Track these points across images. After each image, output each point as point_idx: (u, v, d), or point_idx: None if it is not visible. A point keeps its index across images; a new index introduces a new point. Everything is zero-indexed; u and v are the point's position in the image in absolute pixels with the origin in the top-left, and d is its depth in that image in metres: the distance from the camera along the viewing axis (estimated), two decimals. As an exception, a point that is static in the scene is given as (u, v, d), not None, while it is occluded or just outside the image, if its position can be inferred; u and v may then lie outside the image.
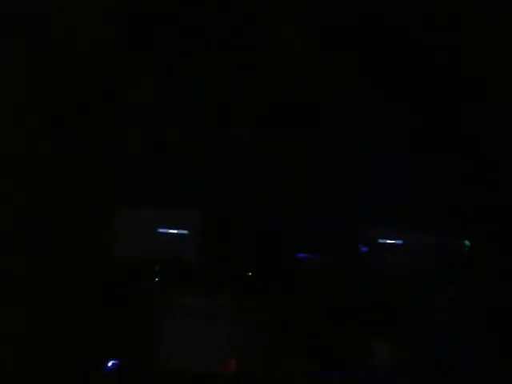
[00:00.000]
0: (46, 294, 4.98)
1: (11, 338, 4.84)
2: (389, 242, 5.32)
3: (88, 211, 5.09)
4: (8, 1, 4.82)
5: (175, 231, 5.29)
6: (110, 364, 5.06)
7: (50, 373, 4.86)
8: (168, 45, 5.16)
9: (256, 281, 5.25)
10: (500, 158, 5.13)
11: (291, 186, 5.26)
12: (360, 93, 5.19)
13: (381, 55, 5.14)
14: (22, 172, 5.04)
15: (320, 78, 5.16)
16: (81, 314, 5.01)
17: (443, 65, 5.09)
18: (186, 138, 5.25)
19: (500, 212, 5.16)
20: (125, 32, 5.03)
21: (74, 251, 5.07)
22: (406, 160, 5.23)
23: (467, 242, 5.23)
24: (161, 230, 5.29)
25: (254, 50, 5.09)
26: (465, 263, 5.20)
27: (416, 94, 5.14)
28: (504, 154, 5.13)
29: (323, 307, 5.20)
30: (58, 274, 5.02)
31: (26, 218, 4.98)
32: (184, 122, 5.23)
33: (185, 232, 5.30)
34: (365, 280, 5.25)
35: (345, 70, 5.15)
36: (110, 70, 5.10)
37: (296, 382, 5.01)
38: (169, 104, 5.22)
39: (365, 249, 5.31)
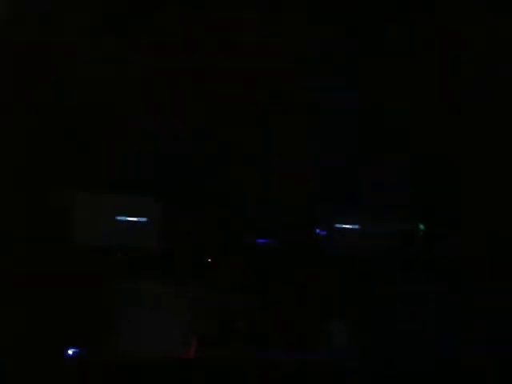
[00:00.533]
0: (7, 284, 4.96)
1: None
2: (347, 226, 5.41)
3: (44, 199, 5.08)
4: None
5: (134, 219, 5.30)
6: (70, 352, 5.05)
7: (9, 361, 4.84)
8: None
9: (216, 267, 5.30)
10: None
11: (250, 174, 5.31)
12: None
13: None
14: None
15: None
16: (41, 303, 5.00)
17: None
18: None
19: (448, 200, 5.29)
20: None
21: (32, 239, 5.06)
22: (362, 150, 5.31)
23: (422, 227, 5.33)
24: (119, 218, 5.30)
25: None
26: (420, 246, 5.31)
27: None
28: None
29: (283, 290, 5.26)
30: (18, 263, 5.00)
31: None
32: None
33: (144, 219, 5.31)
34: (323, 263, 5.32)
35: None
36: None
37: (252, 364, 5.07)
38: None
39: (323, 233, 5.38)
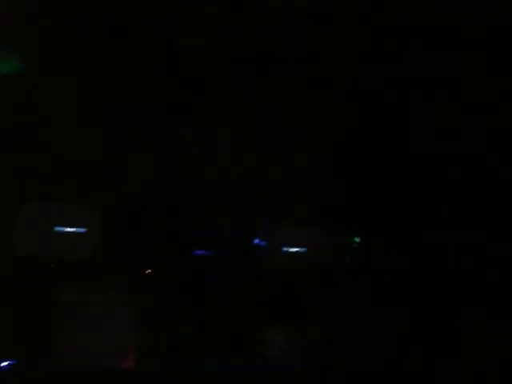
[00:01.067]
0: None
1: None
2: (285, 236, 5.49)
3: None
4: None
5: (72, 229, 5.27)
6: (4, 364, 4.98)
7: None
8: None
9: (155, 278, 5.30)
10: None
11: (189, 185, 5.35)
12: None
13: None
14: None
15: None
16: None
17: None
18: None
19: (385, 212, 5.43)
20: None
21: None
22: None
23: (356, 239, 5.46)
24: (57, 228, 5.25)
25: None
26: (355, 257, 5.43)
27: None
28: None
29: (223, 301, 5.30)
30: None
31: None
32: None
33: (82, 230, 5.28)
34: (262, 274, 5.39)
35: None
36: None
37: (196, 376, 5.08)
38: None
39: (261, 243, 5.45)
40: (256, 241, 5.46)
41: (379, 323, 5.23)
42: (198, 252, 5.41)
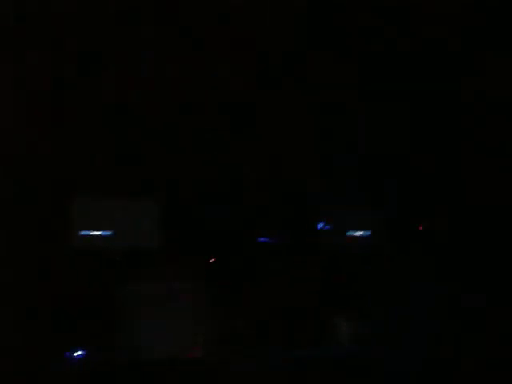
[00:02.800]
0: (6, 285, 4.94)
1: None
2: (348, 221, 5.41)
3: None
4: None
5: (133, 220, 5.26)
6: (74, 354, 5.06)
7: (8, 364, 4.83)
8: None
9: (219, 267, 5.29)
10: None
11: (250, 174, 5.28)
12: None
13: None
14: None
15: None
16: (43, 305, 4.99)
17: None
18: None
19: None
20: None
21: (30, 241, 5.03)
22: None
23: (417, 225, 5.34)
24: (119, 219, 5.26)
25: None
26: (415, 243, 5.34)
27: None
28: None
29: (286, 289, 5.27)
30: (16, 264, 4.97)
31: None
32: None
33: (146, 221, 5.27)
34: (324, 259, 5.33)
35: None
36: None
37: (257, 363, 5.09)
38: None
39: (322, 226, 5.37)
40: (320, 225, 5.39)
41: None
42: (262, 239, 5.36)
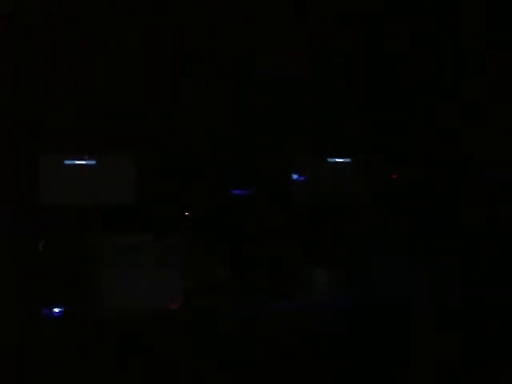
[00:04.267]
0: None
1: None
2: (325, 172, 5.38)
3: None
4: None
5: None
6: (53, 310, 5.05)
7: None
8: None
9: (194, 219, 5.28)
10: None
11: (222, 124, 5.24)
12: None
13: None
14: None
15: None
16: (18, 262, 4.96)
17: None
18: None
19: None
20: None
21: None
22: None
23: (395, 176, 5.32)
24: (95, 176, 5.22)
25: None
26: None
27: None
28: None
29: (261, 240, 5.27)
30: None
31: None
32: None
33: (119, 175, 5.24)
34: (299, 209, 5.32)
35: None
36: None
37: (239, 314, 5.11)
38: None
39: (297, 177, 5.35)
40: (295, 176, 5.37)
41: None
42: (236, 191, 5.34)
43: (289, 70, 5.22)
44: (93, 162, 5.25)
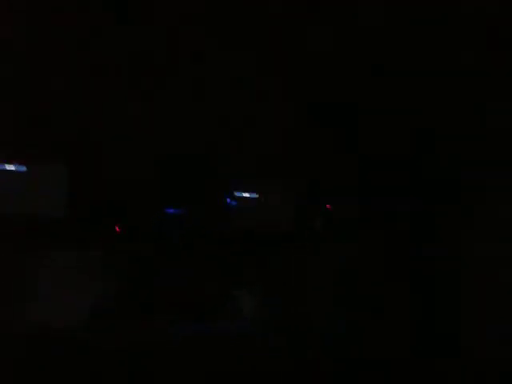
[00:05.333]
0: None
1: None
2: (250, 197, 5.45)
3: None
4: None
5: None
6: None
7: None
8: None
9: (125, 234, 5.22)
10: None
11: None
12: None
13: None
14: None
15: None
16: None
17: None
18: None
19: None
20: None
21: None
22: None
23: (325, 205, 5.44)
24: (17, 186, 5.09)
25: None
26: (323, 222, 5.43)
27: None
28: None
29: (190, 258, 5.26)
30: None
31: None
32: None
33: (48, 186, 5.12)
34: (229, 231, 5.35)
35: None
36: None
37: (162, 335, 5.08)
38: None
39: (233, 203, 5.40)
40: (228, 200, 5.41)
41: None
42: (169, 210, 5.33)
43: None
44: (23, 169, 5.13)
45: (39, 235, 5.09)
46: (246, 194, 5.42)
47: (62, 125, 5.11)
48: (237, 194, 5.40)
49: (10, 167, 5.09)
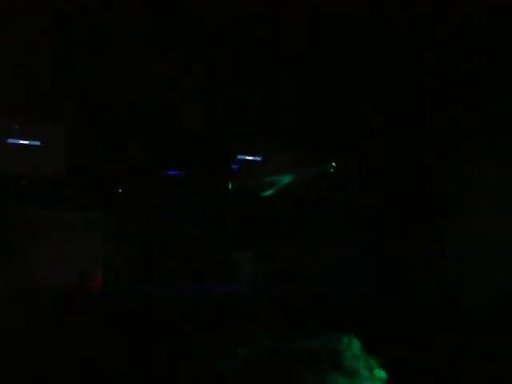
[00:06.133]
0: None
1: None
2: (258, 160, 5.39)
3: None
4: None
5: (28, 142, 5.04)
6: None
7: None
8: None
9: (127, 196, 5.16)
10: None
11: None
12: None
13: None
14: None
15: None
16: None
17: None
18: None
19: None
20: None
21: None
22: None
23: (333, 164, 5.39)
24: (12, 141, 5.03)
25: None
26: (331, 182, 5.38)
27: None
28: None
29: (191, 222, 5.21)
30: None
31: None
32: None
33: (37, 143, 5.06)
34: (233, 196, 5.30)
35: None
36: None
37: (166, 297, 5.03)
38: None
39: (234, 166, 5.34)
40: (233, 165, 5.35)
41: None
42: (171, 172, 5.27)
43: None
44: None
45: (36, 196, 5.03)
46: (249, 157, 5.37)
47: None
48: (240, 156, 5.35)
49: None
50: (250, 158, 5.39)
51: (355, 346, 1.13)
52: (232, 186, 5.33)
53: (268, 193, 5.32)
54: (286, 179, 5.33)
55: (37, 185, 5.07)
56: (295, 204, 5.32)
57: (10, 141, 5.03)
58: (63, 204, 4.99)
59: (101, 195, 5.07)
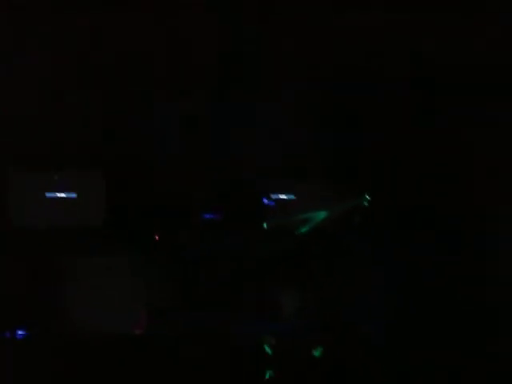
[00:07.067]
0: None
1: None
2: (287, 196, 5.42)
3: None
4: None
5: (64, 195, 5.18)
6: (18, 333, 4.96)
7: None
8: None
9: (164, 242, 5.24)
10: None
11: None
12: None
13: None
14: None
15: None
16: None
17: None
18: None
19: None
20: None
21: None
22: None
23: (367, 197, 5.39)
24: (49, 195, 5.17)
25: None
26: (366, 216, 5.38)
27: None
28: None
29: (233, 262, 5.26)
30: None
31: None
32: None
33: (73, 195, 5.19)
34: (271, 234, 5.34)
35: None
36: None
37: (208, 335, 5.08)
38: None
39: (268, 202, 5.38)
40: (264, 201, 5.40)
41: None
42: (207, 216, 5.34)
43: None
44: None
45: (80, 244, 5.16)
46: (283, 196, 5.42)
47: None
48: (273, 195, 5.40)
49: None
50: (284, 196, 5.44)
51: None
52: (267, 226, 5.37)
53: (303, 230, 5.35)
54: (320, 215, 5.35)
55: (76, 234, 5.20)
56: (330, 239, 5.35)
57: (48, 195, 5.19)
58: (104, 250, 5.11)
59: (140, 241, 5.17)
